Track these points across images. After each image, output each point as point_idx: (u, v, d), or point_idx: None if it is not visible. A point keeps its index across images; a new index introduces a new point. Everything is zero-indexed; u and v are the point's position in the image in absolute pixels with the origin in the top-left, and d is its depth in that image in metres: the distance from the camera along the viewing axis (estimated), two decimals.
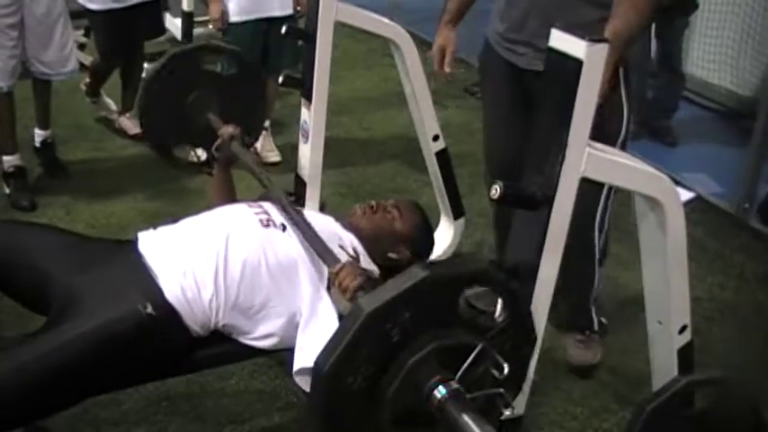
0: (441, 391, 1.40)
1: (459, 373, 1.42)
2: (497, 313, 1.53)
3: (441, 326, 1.44)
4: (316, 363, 1.40)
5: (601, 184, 2.29)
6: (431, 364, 1.42)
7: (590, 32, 1.50)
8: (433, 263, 1.49)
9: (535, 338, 1.63)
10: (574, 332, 2.71)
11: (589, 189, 1.83)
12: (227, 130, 2.40)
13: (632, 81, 2.41)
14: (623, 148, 2.28)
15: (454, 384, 1.41)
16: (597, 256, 2.58)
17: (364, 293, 1.63)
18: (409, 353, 1.40)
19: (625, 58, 2.27)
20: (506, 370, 1.45)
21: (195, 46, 3.39)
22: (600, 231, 2.53)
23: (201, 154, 4.07)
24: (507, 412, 1.50)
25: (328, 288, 1.92)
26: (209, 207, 2.18)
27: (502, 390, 1.48)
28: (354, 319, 1.37)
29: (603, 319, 2.74)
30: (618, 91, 2.32)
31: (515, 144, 2.31)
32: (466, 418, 1.36)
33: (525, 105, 2.37)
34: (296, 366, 1.81)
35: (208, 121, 2.64)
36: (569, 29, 1.51)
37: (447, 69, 2.61)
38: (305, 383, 1.75)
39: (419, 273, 1.40)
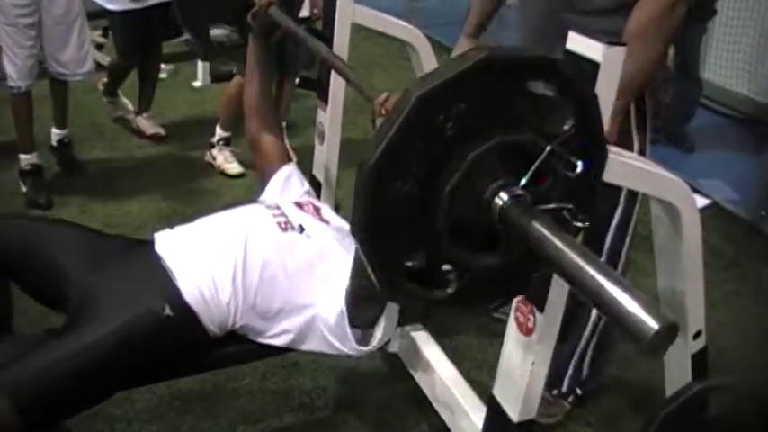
0: (502, 198, 1.17)
1: (525, 180, 1.19)
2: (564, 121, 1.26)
3: (501, 124, 1.19)
4: (361, 162, 1.14)
5: (611, 208, 2.10)
6: (492, 166, 1.18)
7: None
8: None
9: (607, 152, 1.35)
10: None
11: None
12: None
13: (649, 108, 2.09)
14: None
15: (518, 190, 1.18)
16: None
17: None
18: (469, 147, 1.16)
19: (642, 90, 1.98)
20: (579, 168, 1.21)
21: None
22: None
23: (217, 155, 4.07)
24: (579, 224, 1.24)
25: (373, 120, 1.68)
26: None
27: (571, 205, 1.24)
28: (402, 106, 1.11)
29: (580, 390, 2.35)
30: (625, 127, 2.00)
31: None
32: (536, 224, 1.13)
33: None
34: None
35: None
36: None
37: None
38: None
39: (478, 54, 1.14)
